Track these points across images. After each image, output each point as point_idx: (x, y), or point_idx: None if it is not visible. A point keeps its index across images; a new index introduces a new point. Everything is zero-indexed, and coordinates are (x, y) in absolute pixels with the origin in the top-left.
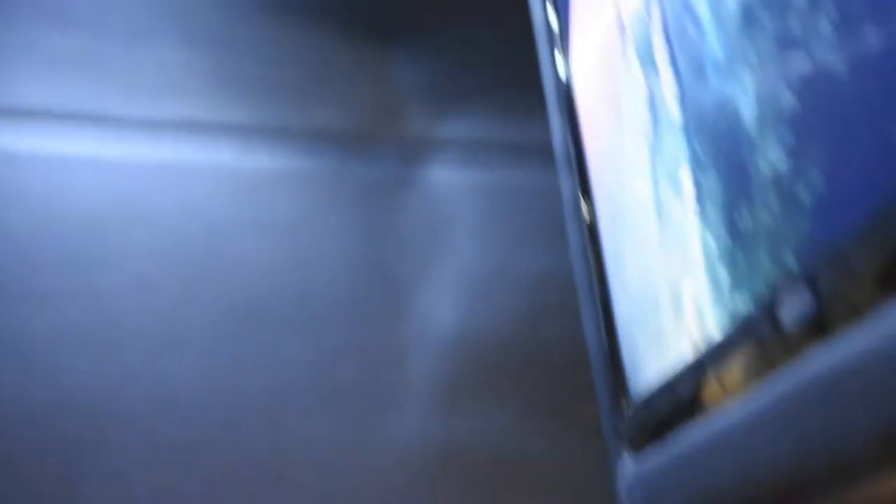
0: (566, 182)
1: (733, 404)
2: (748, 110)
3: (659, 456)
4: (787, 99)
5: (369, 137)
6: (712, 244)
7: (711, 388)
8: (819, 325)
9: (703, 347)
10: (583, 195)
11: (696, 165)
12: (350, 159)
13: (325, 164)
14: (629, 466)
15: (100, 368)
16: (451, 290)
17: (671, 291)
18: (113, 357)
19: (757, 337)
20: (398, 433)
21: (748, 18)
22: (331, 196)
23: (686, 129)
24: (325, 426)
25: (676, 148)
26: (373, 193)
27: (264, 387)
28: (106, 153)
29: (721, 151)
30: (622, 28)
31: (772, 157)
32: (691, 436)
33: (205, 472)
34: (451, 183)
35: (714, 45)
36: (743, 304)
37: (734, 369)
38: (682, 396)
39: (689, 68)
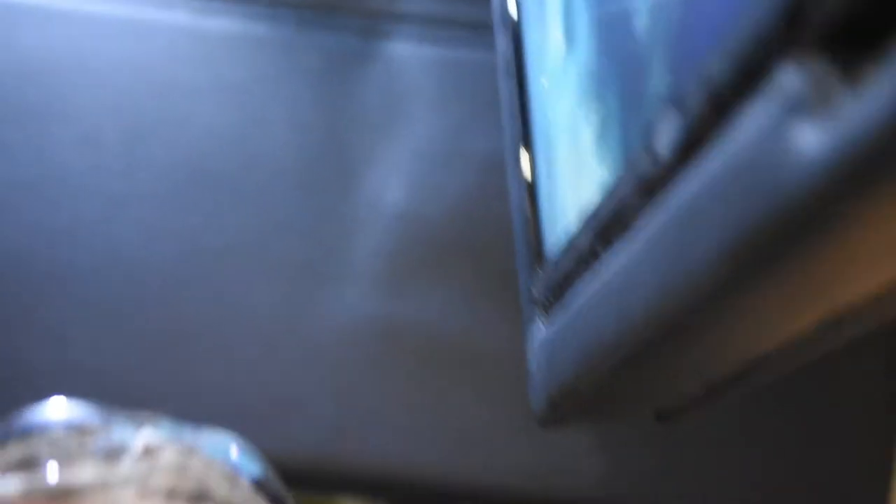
0: (501, 43)
1: (618, 248)
2: None
3: (561, 315)
4: None
5: (329, 6)
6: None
7: (605, 236)
8: (689, 148)
9: (598, 200)
10: (516, 61)
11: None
12: (308, 28)
13: (283, 31)
14: (540, 331)
15: (41, 223)
16: (403, 166)
17: (575, 162)
18: (55, 212)
19: (638, 173)
20: (340, 307)
21: None
22: (286, 64)
23: None
24: (266, 296)
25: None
26: (329, 64)
27: (206, 251)
28: (54, 5)
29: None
30: None
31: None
32: (585, 289)
33: (142, 333)
34: (409, 58)
35: None
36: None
37: (623, 211)
38: (582, 251)
39: None
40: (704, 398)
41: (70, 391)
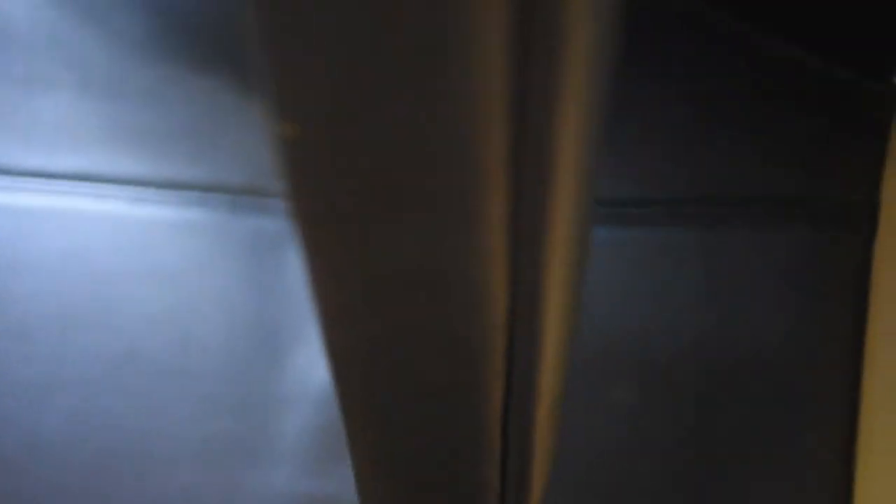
0: None
1: None
2: None
3: None
4: None
5: (260, 191)
6: None
7: None
8: None
9: None
10: None
11: None
12: (240, 211)
13: (215, 215)
14: None
15: None
16: None
17: None
18: None
19: None
20: (267, 488)
21: None
22: (218, 247)
23: None
24: (193, 478)
25: None
26: (260, 246)
27: (135, 435)
28: None
29: None
30: None
31: None
32: None
33: None
34: None
35: None
36: None
37: None
38: None
39: None
40: (513, 475)
41: None
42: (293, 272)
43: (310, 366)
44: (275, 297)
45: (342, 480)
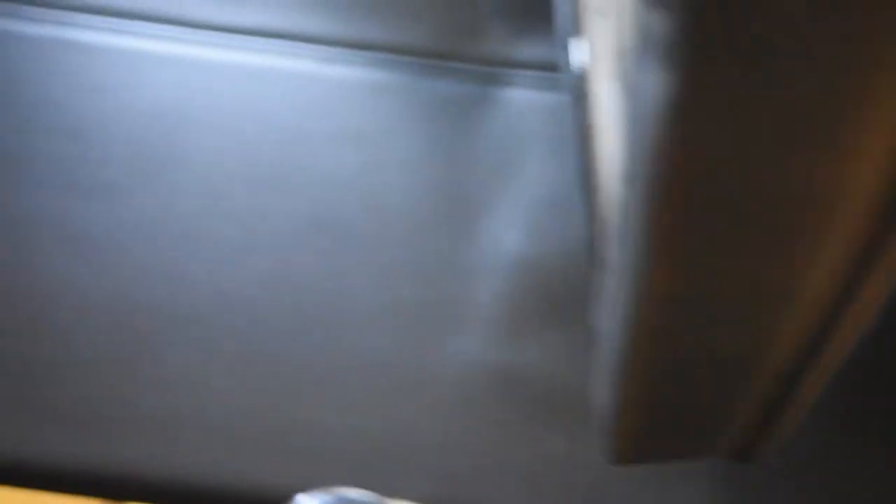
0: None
1: None
2: None
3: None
4: None
5: (448, 55)
6: None
7: None
8: None
9: None
10: None
11: None
12: (428, 75)
13: (403, 78)
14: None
15: (163, 268)
16: (522, 211)
17: None
18: (176, 258)
19: None
20: (457, 354)
21: None
22: (407, 110)
23: None
24: (384, 342)
25: None
26: (448, 111)
27: (326, 298)
28: (182, 53)
29: None
30: None
31: None
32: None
33: (261, 381)
34: (528, 104)
35: None
36: None
37: None
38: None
39: None
40: (767, 423)
41: (198, 434)
42: (482, 138)
43: (499, 235)
44: (463, 164)
45: (533, 350)
